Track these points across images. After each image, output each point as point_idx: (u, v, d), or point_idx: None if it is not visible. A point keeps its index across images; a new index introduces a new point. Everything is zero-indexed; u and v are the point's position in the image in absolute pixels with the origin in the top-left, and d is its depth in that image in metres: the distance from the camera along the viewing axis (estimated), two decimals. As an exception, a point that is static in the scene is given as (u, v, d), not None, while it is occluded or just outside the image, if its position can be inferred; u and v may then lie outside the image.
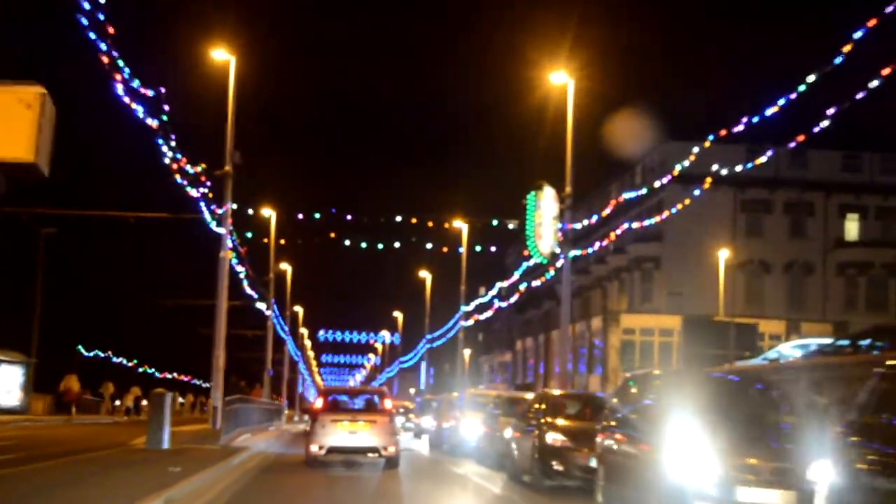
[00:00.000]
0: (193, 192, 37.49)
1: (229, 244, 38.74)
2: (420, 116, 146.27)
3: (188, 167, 36.43)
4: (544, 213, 39.25)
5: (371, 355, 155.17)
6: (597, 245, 52.93)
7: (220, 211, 37.66)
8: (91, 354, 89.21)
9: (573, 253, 41.53)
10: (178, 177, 35.63)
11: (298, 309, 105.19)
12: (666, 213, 53.24)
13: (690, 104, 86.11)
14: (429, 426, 43.91)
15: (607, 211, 44.26)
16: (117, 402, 73.51)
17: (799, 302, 68.86)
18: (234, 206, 39.65)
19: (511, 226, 45.15)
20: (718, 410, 13.76)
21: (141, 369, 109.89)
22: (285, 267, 77.74)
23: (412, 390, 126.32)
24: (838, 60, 26.81)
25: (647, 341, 65.52)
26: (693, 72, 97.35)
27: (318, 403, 27.31)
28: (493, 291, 76.22)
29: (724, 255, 61.90)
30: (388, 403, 27.18)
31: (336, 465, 26.54)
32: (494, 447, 26.24)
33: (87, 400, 68.72)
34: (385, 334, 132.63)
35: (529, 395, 30.47)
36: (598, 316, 67.74)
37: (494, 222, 46.26)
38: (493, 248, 53.96)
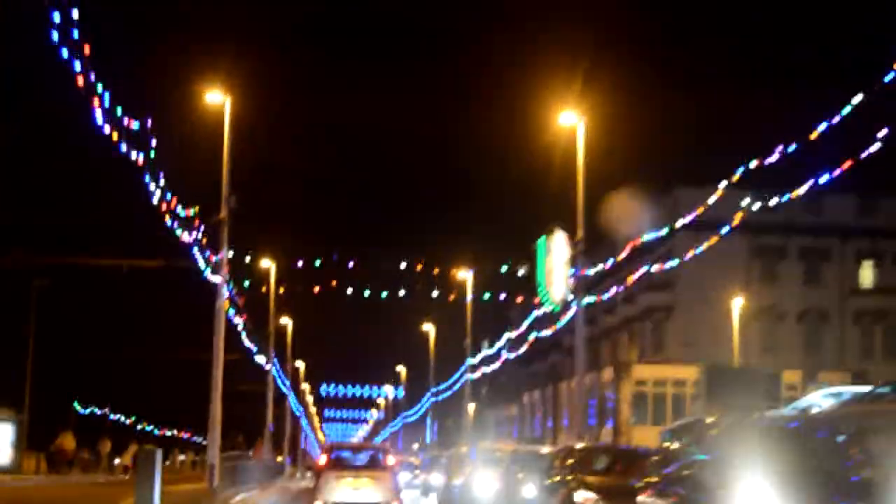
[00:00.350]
0: (186, 237, 35.52)
1: (226, 294, 36.96)
2: (425, 158, 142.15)
3: (180, 210, 34.68)
4: (556, 259, 37.55)
5: (374, 410, 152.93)
6: (612, 291, 50.92)
7: (215, 259, 35.81)
8: (87, 411, 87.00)
9: (587, 300, 39.62)
10: (168, 220, 33.89)
11: (300, 364, 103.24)
12: (677, 261, 51.47)
13: (701, 146, 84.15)
14: (437, 483, 41.79)
15: (623, 255, 42.38)
16: (116, 461, 71.31)
17: (815, 350, 66.83)
18: (231, 254, 37.75)
19: (521, 272, 43.27)
20: (789, 464, 11.79)
21: (139, 426, 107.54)
22: (286, 322, 75.92)
23: (416, 445, 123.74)
24: (848, 110, 25.68)
25: (660, 393, 63.48)
26: (705, 114, 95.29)
27: (322, 460, 27.96)
28: (500, 342, 74.27)
29: (738, 302, 60.00)
30: (391, 459, 27.95)
31: None
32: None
33: (83, 458, 66.54)
34: (388, 389, 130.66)
35: (545, 449, 28.45)
36: (609, 367, 65.59)
37: (503, 268, 44.34)
38: (502, 296, 51.91)
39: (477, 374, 72.23)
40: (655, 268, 53.89)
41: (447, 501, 36.40)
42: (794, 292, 67.92)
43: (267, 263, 56.65)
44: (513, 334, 74.34)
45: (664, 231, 58.04)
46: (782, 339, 67.31)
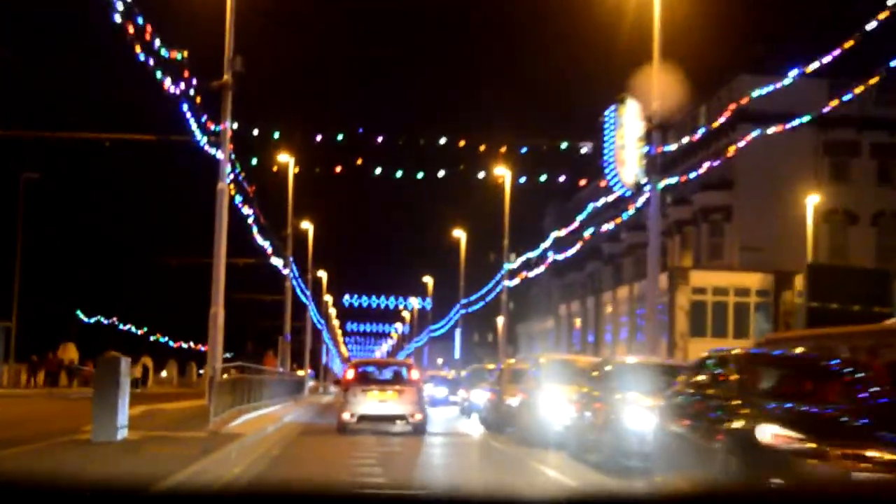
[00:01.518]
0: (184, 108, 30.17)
1: (229, 173, 30.73)
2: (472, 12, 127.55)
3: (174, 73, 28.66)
4: (627, 134, 31.10)
5: (398, 324, 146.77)
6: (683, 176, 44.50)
7: (214, 127, 29.51)
8: (92, 321, 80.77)
9: (666, 181, 33.37)
10: (159, 76, 28.15)
11: (322, 274, 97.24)
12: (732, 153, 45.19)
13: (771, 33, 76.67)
14: (480, 401, 35.58)
15: (699, 134, 35.95)
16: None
17: (890, 255, 60.10)
18: (235, 126, 31.40)
19: (584, 149, 36.69)
20: None
21: (153, 338, 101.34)
22: (306, 226, 69.70)
23: (440, 360, 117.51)
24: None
25: (721, 302, 57.14)
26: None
27: (350, 375, 29.14)
28: (547, 243, 67.88)
29: (812, 201, 53.61)
30: (414, 374, 29.38)
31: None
32: (612, 438, 17.33)
33: (84, 372, 60.82)
34: (414, 301, 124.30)
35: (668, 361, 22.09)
36: (662, 274, 58.76)
37: (563, 145, 37.64)
38: (561, 178, 45.20)
39: (515, 282, 65.65)
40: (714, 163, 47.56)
41: (496, 424, 30.17)
42: (866, 193, 61.00)
43: (283, 157, 50.70)
44: (562, 232, 68.04)
45: (722, 120, 52.36)
46: (854, 244, 60.53)
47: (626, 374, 18.46)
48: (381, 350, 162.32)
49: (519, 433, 25.82)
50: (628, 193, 31.83)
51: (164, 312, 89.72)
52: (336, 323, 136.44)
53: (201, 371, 78.32)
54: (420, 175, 40.66)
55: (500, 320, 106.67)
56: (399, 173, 40.09)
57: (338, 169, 40.42)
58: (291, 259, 59.58)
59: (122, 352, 54.79)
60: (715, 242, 61.36)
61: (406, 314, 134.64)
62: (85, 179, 58.31)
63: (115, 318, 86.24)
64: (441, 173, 40.70)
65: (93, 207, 70.20)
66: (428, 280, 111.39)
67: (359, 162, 38.21)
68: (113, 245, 73.66)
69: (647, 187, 30.68)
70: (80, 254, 69.84)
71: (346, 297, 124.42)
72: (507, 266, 59.95)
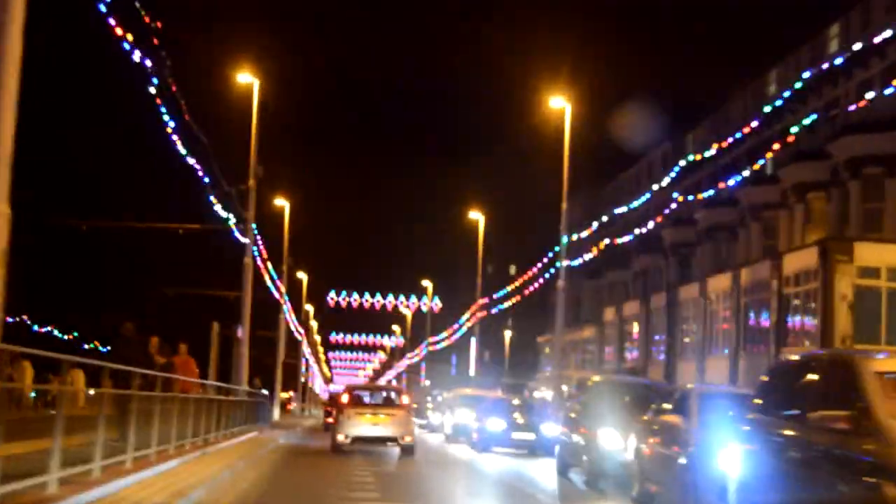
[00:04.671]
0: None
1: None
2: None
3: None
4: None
5: (388, 338, 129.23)
6: None
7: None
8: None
9: None
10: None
11: (302, 276, 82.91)
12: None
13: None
14: (553, 437, 27.65)
15: None
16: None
17: None
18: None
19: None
20: None
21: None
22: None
23: (426, 382, 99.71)
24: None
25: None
26: None
27: (344, 398, 30.96)
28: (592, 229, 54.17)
29: None
30: (405, 399, 31.59)
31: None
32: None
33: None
34: (407, 307, 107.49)
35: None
36: (809, 249, 42.92)
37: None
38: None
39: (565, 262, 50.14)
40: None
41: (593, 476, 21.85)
42: None
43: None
44: (623, 209, 54.25)
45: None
46: None
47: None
48: (367, 371, 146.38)
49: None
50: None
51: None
52: (317, 339, 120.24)
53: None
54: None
55: (507, 335, 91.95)
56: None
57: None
58: (256, 232, 43.39)
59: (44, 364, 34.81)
60: (871, 208, 46.21)
61: (397, 328, 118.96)
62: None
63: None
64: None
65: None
66: (427, 284, 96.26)
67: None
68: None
69: None
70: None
71: (332, 296, 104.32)
72: (565, 241, 44.92)
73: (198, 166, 34.53)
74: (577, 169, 45.25)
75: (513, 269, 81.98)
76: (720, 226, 57.56)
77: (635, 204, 59.37)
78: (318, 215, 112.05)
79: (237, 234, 40.30)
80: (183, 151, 33.66)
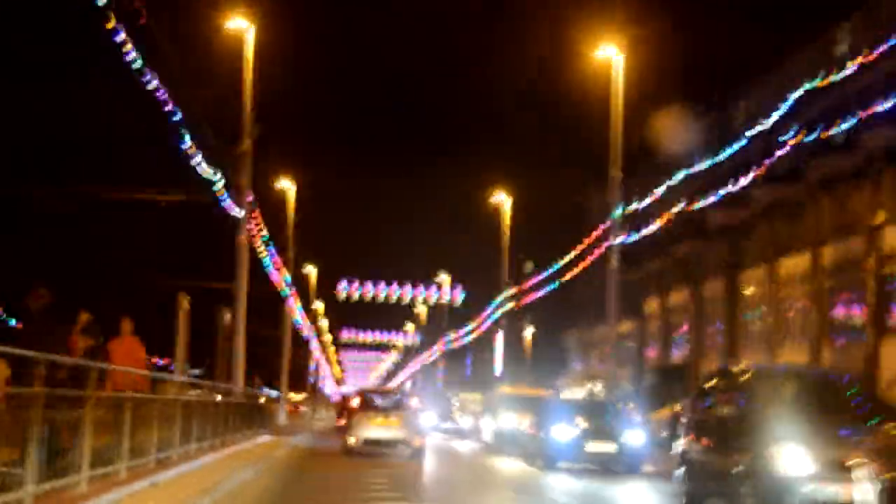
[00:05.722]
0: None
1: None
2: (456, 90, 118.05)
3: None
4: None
5: (402, 336, 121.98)
6: None
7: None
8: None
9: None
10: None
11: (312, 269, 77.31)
12: None
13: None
14: (635, 448, 24.02)
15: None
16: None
17: None
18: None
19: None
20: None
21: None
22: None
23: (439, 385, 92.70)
24: None
25: None
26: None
27: (355, 402, 32.07)
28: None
29: None
30: (414, 402, 32.53)
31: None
32: None
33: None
34: (421, 304, 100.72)
35: None
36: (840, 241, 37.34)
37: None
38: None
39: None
40: None
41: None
42: None
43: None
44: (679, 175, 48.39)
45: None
46: None
47: None
48: (381, 370, 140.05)
49: None
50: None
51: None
52: (328, 339, 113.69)
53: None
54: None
55: (528, 332, 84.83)
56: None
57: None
58: (254, 203, 37.64)
59: None
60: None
61: (410, 326, 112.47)
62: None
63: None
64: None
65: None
66: (444, 278, 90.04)
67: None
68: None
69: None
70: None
71: (343, 286, 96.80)
72: (621, 210, 39.29)
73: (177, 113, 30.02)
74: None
75: (529, 267, 75.25)
76: (780, 203, 50.72)
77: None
78: (328, 202, 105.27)
79: (228, 206, 34.40)
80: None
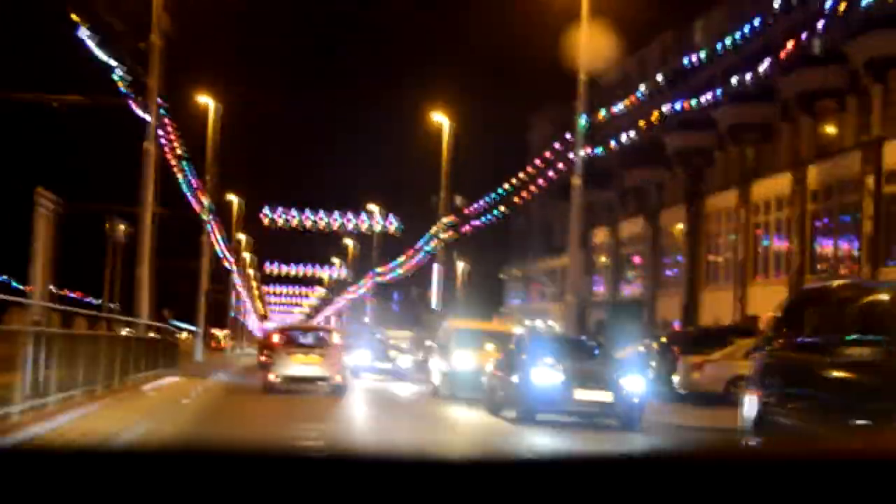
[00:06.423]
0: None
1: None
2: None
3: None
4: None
5: (331, 267, 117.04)
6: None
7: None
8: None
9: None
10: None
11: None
12: None
13: None
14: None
15: None
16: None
17: None
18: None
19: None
20: None
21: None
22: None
23: (366, 319, 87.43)
24: None
25: None
26: None
27: (276, 338, 33.07)
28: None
29: None
30: (335, 338, 31.97)
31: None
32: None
33: None
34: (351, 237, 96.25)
35: None
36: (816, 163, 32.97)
37: None
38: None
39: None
40: None
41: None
42: None
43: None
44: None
45: None
46: None
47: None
48: (306, 306, 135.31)
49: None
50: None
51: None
52: (252, 273, 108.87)
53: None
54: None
55: (460, 266, 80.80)
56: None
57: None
58: (167, 112, 34.88)
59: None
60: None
61: (336, 260, 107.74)
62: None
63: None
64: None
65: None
66: (374, 208, 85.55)
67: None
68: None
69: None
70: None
71: (266, 212, 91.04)
72: (581, 126, 34.49)
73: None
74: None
75: (458, 200, 70.78)
76: (747, 125, 46.60)
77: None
78: (252, 123, 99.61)
79: (136, 110, 31.05)
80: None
